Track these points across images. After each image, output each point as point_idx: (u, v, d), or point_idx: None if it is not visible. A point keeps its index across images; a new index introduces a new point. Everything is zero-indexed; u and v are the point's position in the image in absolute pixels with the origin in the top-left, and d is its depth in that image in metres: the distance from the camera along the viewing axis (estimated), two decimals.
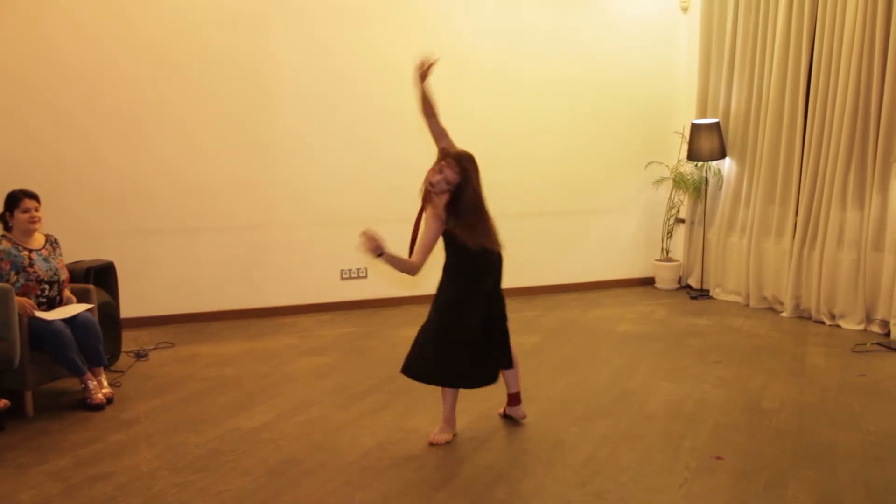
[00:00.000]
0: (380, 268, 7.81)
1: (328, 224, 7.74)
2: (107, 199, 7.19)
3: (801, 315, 7.48)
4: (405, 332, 6.56)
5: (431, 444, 4.55)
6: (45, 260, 5.23)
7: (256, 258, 7.69)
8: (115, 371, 5.91)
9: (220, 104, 7.40)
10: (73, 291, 5.50)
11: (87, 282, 5.83)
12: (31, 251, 5.20)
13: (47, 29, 6.91)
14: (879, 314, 6.85)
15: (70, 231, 6.61)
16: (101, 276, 6.07)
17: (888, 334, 6.71)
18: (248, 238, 7.63)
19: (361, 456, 4.38)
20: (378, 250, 4.21)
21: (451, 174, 4.38)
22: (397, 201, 7.48)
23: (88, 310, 5.36)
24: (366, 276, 7.99)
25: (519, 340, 6.57)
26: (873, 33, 6.68)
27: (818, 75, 7.19)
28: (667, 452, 4.39)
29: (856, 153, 6.90)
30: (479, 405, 5.02)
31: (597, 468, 4.18)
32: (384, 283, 7.92)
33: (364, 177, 7.83)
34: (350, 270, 7.95)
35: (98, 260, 6.22)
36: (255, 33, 7.42)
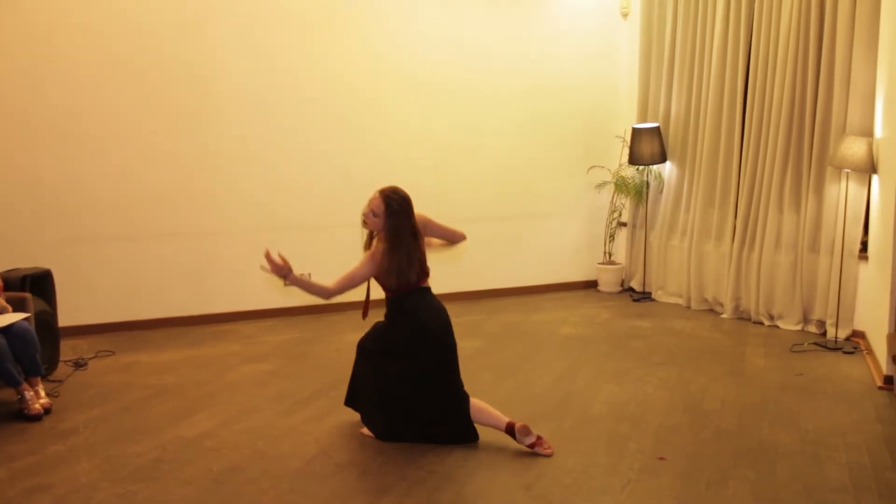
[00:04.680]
0: (322, 273, 7.81)
1: (271, 229, 7.65)
2: (44, 204, 7.01)
3: (741, 316, 7.61)
4: (349, 337, 6.56)
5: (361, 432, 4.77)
6: None
7: (198, 264, 7.58)
8: (53, 381, 5.78)
9: (164, 108, 7.28)
10: (8, 300, 5.37)
11: (23, 290, 5.72)
12: None
13: None
14: (816, 315, 7.00)
15: (5, 237, 6.47)
16: (38, 284, 5.96)
17: (825, 334, 6.87)
18: (190, 244, 7.51)
19: (306, 463, 4.35)
20: (283, 272, 4.20)
21: (375, 205, 4.39)
22: (339, 207, 7.50)
23: (25, 319, 5.24)
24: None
25: (462, 345, 6.56)
26: (807, 40, 6.85)
27: (755, 81, 7.33)
28: (610, 454, 4.44)
29: (792, 157, 7.05)
30: None
31: (541, 471, 4.21)
32: None
33: (307, 183, 7.77)
34: None
35: (35, 267, 6.09)
36: (201, 38, 7.31)
